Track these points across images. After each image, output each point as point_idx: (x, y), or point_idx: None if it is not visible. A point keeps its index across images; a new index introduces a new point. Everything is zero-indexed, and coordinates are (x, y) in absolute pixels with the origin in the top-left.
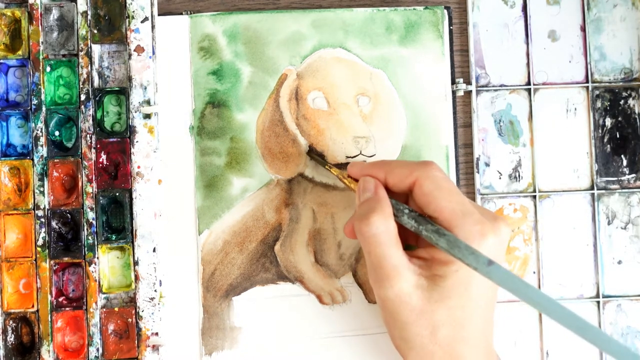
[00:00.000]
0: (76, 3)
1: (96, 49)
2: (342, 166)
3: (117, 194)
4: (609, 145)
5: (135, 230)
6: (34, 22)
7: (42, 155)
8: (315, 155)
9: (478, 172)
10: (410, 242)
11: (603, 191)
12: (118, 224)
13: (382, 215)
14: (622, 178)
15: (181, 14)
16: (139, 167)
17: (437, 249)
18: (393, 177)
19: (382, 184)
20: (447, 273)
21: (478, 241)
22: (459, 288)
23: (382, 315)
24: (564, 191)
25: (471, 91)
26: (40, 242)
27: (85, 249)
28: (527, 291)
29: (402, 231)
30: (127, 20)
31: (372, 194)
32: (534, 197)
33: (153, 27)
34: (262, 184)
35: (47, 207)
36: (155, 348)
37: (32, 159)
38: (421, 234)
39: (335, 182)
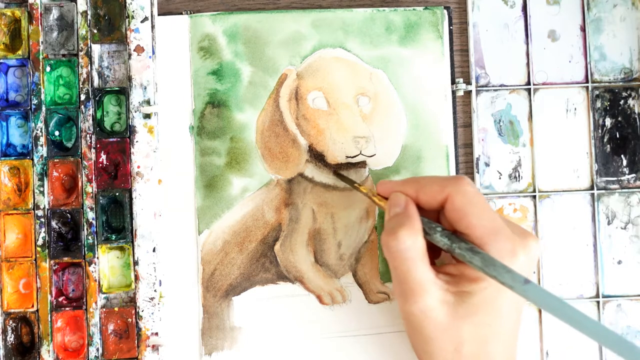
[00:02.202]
0: (76, 3)
1: (96, 48)
2: (341, 166)
3: (117, 194)
4: (608, 145)
5: (135, 230)
6: (34, 22)
7: (42, 155)
8: (343, 174)
9: (478, 172)
10: (435, 259)
11: (603, 191)
12: (118, 224)
13: (410, 231)
14: (622, 178)
15: (181, 13)
16: (138, 167)
17: (466, 265)
18: (424, 193)
19: (413, 201)
20: (475, 290)
21: (509, 259)
22: (486, 305)
23: (405, 329)
24: (564, 191)
25: (471, 91)
26: (40, 242)
27: (85, 248)
28: (565, 310)
29: (430, 249)
30: (127, 20)
31: (402, 209)
32: (534, 197)
33: (153, 27)
34: (262, 184)
35: (47, 207)
36: (155, 348)
37: (32, 159)
38: (454, 252)
39: (336, 182)
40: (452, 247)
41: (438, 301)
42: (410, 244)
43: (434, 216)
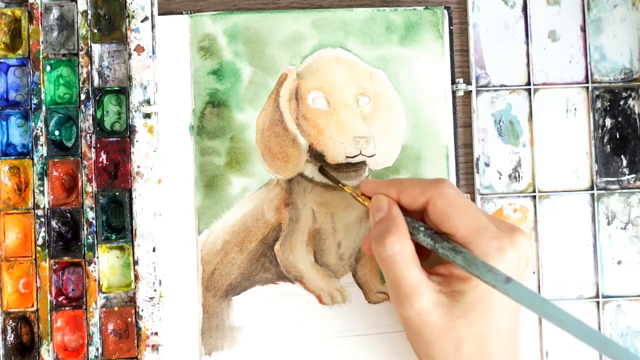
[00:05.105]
0: (76, 2)
1: (96, 48)
2: (341, 166)
3: (117, 194)
4: (608, 146)
5: (135, 230)
6: (34, 22)
7: (42, 155)
8: (328, 172)
9: (478, 172)
10: (425, 259)
11: (603, 191)
12: (118, 224)
13: (397, 236)
14: (622, 178)
15: (181, 13)
16: (138, 166)
17: (454, 265)
18: (405, 196)
19: (395, 202)
20: (467, 289)
21: (497, 257)
22: (480, 303)
23: (405, 333)
24: (563, 191)
25: (471, 91)
26: (40, 241)
27: (85, 248)
28: (546, 308)
29: (419, 247)
30: (127, 19)
31: (386, 214)
32: (534, 197)
33: (153, 26)
34: (262, 184)
35: (46, 206)
36: (154, 348)
37: (32, 159)
38: (438, 252)
39: None
40: (436, 247)
41: (432, 303)
42: (399, 248)
43: (418, 216)
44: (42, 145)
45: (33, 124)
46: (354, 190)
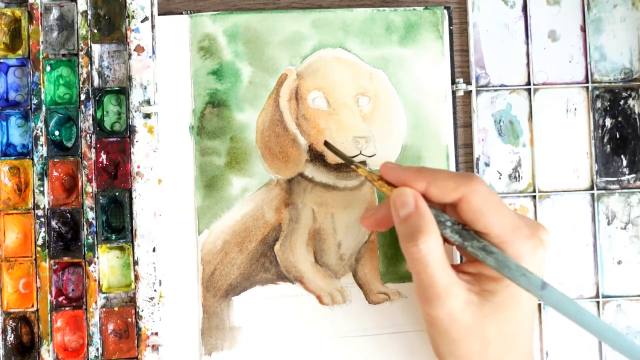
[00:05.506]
0: (76, 2)
1: (96, 48)
2: (341, 166)
3: (117, 194)
4: (608, 146)
5: (135, 230)
6: (34, 22)
7: (42, 155)
8: (337, 149)
9: (478, 172)
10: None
11: (603, 191)
12: (118, 224)
13: (429, 235)
14: (622, 178)
15: (181, 13)
16: (138, 166)
17: (483, 264)
18: (436, 189)
19: (421, 195)
20: (498, 288)
21: (530, 257)
22: (510, 302)
23: (428, 331)
24: (563, 191)
25: (471, 91)
26: (40, 241)
27: (85, 248)
28: (582, 316)
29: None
30: (127, 19)
31: (413, 209)
32: (534, 197)
33: (153, 26)
34: (262, 184)
35: (46, 206)
36: (155, 348)
37: (32, 159)
38: (466, 250)
39: (335, 182)
40: (464, 245)
41: (463, 303)
42: (432, 248)
43: (440, 208)
44: (42, 145)
45: (33, 124)
46: (369, 174)
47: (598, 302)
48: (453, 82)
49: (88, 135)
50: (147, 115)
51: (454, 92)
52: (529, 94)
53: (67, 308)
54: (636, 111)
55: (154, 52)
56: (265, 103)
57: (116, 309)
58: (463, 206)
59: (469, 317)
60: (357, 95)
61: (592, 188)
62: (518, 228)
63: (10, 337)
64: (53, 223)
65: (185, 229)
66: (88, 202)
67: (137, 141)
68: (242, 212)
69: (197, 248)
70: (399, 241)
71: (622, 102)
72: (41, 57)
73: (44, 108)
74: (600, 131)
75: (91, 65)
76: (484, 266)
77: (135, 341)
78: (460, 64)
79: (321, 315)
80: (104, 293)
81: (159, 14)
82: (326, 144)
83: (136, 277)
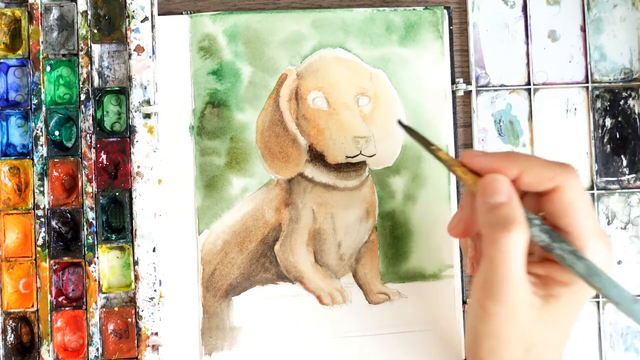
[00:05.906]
0: (76, 3)
1: (96, 48)
2: (341, 166)
3: (117, 194)
4: (608, 146)
5: (135, 230)
6: (34, 22)
7: (42, 155)
8: (414, 130)
9: None
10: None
11: (603, 191)
12: (118, 224)
13: (521, 229)
14: (622, 178)
15: (181, 13)
16: (138, 166)
17: (554, 267)
18: (530, 176)
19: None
20: (564, 294)
21: (608, 267)
22: (570, 311)
23: (472, 325)
24: None
25: (471, 91)
26: (40, 241)
27: (85, 248)
28: None
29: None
30: (127, 20)
31: (507, 199)
32: None
33: (153, 26)
34: (262, 184)
35: (47, 206)
36: (155, 348)
37: (32, 159)
38: (552, 252)
39: (335, 183)
40: (552, 246)
41: (527, 305)
42: (521, 242)
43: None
44: (42, 145)
45: (33, 124)
46: (450, 159)
47: (598, 302)
48: (453, 82)
49: (88, 135)
50: (147, 115)
51: (454, 92)
52: (529, 94)
53: (67, 308)
54: (636, 111)
55: (154, 52)
56: (265, 103)
57: (116, 309)
58: (555, 197)
59: (526, 320)
60: (357, 95)
61: (592, 188)
62: (600, 235)
63: (10, 337)
64: (53, 223)
65: (185, 229)
66: (88, 202)
67: (137, 141)
68: (242, 212)
69: (197, 248)
70: (480, 226)
71: (622, 102)
72: (41, 57)
73: (44, 108)
74: (600, 131)
75: (91, 65)
76: (554, 269)
77: (135, 341)
78: (460, 64)
79: (321, 315)
80: (104, 293)
81: (159, 14)
82: (400, 123)
83: (136, 277)
